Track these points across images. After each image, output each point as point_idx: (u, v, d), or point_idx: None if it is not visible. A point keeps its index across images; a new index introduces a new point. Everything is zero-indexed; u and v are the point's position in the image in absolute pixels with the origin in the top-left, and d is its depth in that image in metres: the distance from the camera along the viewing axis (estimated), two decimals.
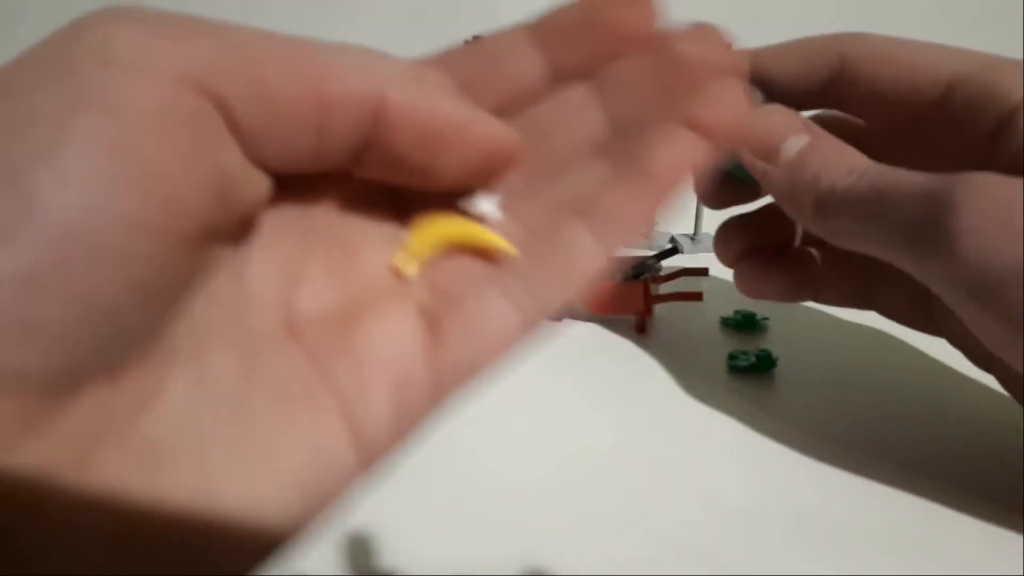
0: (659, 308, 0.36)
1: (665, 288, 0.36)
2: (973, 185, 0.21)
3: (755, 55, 0.28)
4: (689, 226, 0.45)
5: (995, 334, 0.22)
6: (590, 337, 0.34)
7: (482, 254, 0.16)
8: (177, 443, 0.13)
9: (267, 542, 0.13)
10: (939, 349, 0.28)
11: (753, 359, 0.31)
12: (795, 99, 0.28)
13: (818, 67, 0.27)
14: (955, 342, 0.28)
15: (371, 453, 0.14)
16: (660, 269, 0.37)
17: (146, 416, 0.12)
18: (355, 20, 0.65)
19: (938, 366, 0.31)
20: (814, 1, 0.65)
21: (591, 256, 0.15)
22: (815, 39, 0.27)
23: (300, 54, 0.13)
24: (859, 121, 0.28)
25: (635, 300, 0.34)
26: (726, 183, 0.29)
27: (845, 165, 0.24)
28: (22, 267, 0.11)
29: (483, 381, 0.15)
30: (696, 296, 0.34)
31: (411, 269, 0.15)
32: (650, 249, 0.44)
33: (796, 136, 0.26)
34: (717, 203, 0.30)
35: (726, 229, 0.30)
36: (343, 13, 0.65)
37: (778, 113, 0.26)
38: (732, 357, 0.31)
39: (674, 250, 0.37)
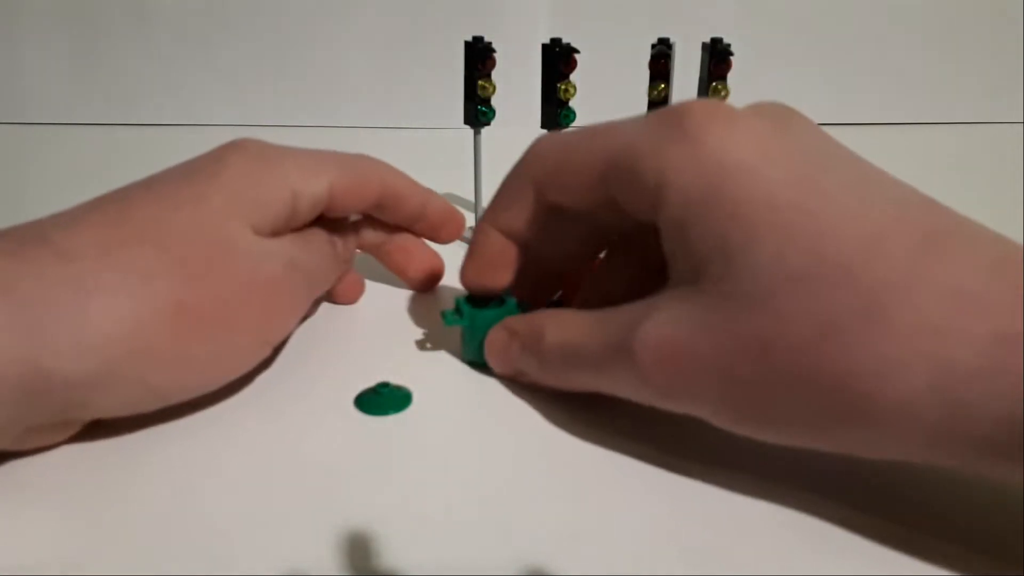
0: None
1: None
2: (646, 337, 0.23)
3: (490, 218, 0.28)
4: None
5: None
6: None
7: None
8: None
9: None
10: None
11: None
12: (537, 240, 0.28)
13: (526, 208, 0.27)
14: None
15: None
16: None
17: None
18: (356, 21, 0.65)
19: None
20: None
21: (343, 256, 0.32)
22: (511, 186, 0.28)
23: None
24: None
25: None
26: None
27: (541, 345, 0.27)
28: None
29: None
30: None
31: None
32: None
33: (513, 348, 0.28)
34: None
35: None
36: (344, 14, 0.65)
37: (491, 335, 0.29)
38: None
39: None
